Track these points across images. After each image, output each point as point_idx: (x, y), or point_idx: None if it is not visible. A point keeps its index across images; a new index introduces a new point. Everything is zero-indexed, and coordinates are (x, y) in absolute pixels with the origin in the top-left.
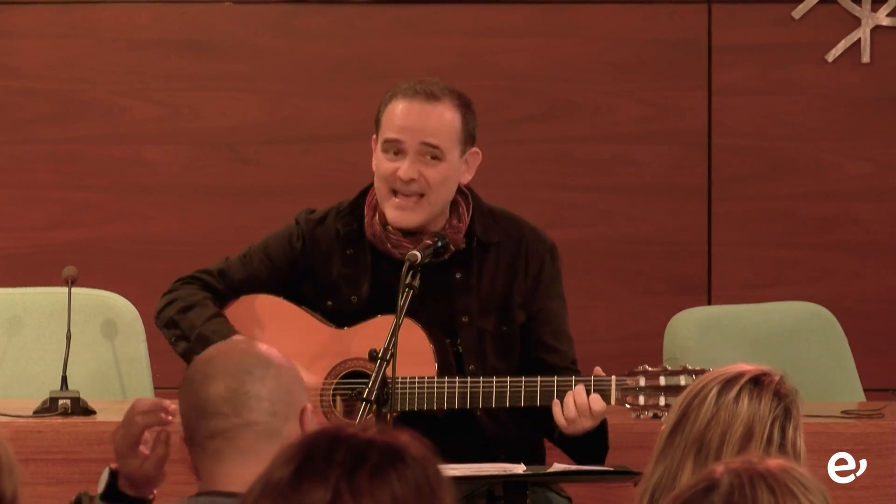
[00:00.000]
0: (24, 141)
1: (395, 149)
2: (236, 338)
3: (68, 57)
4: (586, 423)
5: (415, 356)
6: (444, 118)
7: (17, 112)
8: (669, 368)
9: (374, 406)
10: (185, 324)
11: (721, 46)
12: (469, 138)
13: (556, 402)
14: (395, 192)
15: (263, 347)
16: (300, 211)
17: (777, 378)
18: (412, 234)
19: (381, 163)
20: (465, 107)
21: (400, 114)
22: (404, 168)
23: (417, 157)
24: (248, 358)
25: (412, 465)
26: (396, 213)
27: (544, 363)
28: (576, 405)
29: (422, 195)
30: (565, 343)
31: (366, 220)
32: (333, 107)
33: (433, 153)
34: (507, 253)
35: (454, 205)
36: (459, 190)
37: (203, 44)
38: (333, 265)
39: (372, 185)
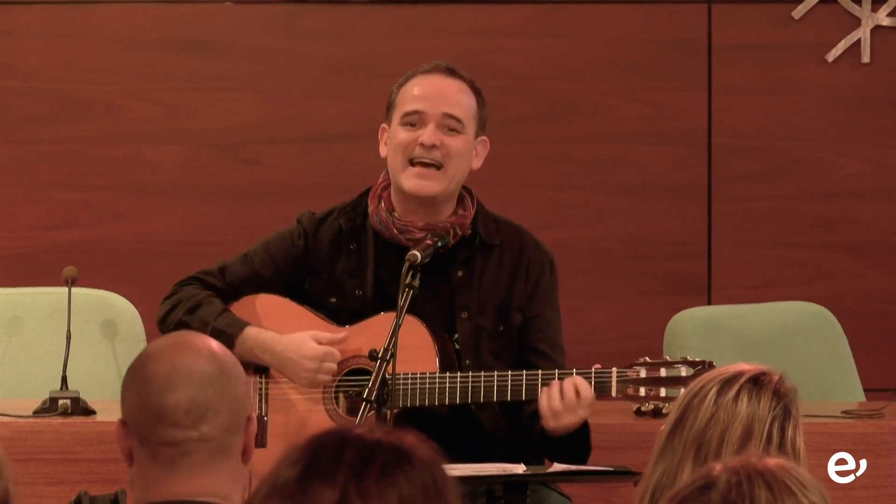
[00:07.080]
0: (24, 141)
1: (415, 120)
2: (192, 338)
3: (68, 57)
4: (572, 418)
5: (416, 351)
6: (464, 93)
7: (17, 112)
8: (670, 359)
9: (374, 406)
10: (196, 322)
11: (721, 46)
12: (482, 123)
13: (543, 391)
14: (411, 163)
15: (219, 351)
16: (302, 212)
17: (776, 377)
18: (423, 208)
19: (398, 134)
20: (478, 93)
21: (420, 87)
22: (427, 133)
23: (439, 127)
24: (212, 366)
25: (419, 467)
26: (415, 181)
27: (535, 368)
28: (562, 396)
29: (440, 167)
30: (557, 352)
31: (370, 209)
32: (333, 107)
33: (453, 125)
34: (509, 256)
35: (459, 197)
36: (463, 186)
37: (203, 44)
38: (336, 261)
39: (372, 186)
